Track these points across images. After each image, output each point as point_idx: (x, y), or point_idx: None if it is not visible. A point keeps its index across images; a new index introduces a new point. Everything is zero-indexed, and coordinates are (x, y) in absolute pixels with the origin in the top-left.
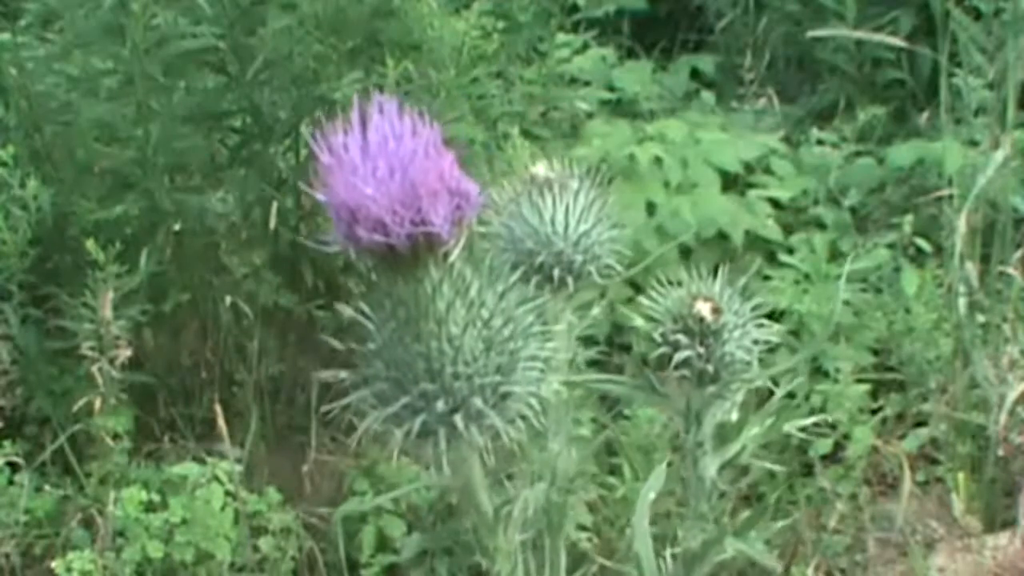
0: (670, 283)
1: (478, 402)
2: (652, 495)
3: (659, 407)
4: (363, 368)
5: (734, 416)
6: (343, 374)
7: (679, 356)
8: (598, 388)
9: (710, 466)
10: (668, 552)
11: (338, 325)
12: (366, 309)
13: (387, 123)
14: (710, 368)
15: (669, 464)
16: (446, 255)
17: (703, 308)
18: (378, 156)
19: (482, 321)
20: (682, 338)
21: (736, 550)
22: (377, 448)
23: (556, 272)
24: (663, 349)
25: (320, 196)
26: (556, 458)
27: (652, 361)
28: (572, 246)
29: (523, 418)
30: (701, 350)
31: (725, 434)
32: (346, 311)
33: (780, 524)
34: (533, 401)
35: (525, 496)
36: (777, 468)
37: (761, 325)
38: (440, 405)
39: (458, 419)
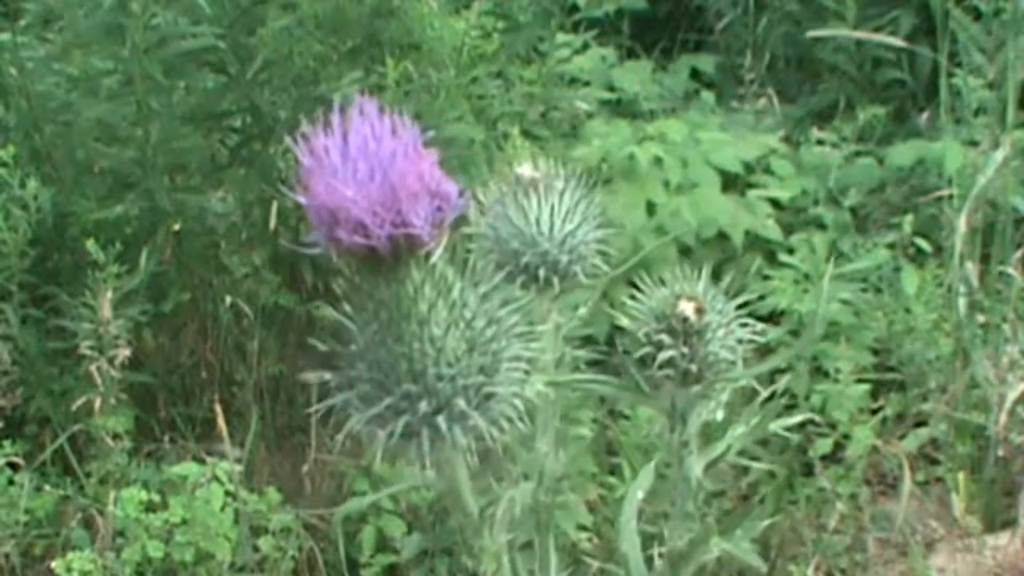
0: (658, 282)
1: (461, 403)
2: (640, 494)
3: (645, 406)
4: (347, 370)
5: (719, 415)
6: (328, 376)
7: (663, 356)
8: (591, 388)
9: (695, 466)
10: (658, 551)
11: (336, 326)
12: (349, 311)
13: (367, 125)
14: (694, 368)
15: (667, 465)
16: (427, 256)
17: (686, 308)
18: (358, 158)
19: (464, 322)
20: (665, 338)
21: (721, 550)
22: (374, 449)
23: (541, 272)
24: (647, 349)
25: (301, 199)
26: (543, 458)
27: (638, 361)
28: (557, 246)
29: (507, 419)
30: (685, 350)
31: (710, 433)
32: (330, 313)
33: (767, 523)
34: (517, 402)
35: (509, 497)
36: (773, 467)
37: (745, 324)
38: (423, 406)
39: (441, 420)
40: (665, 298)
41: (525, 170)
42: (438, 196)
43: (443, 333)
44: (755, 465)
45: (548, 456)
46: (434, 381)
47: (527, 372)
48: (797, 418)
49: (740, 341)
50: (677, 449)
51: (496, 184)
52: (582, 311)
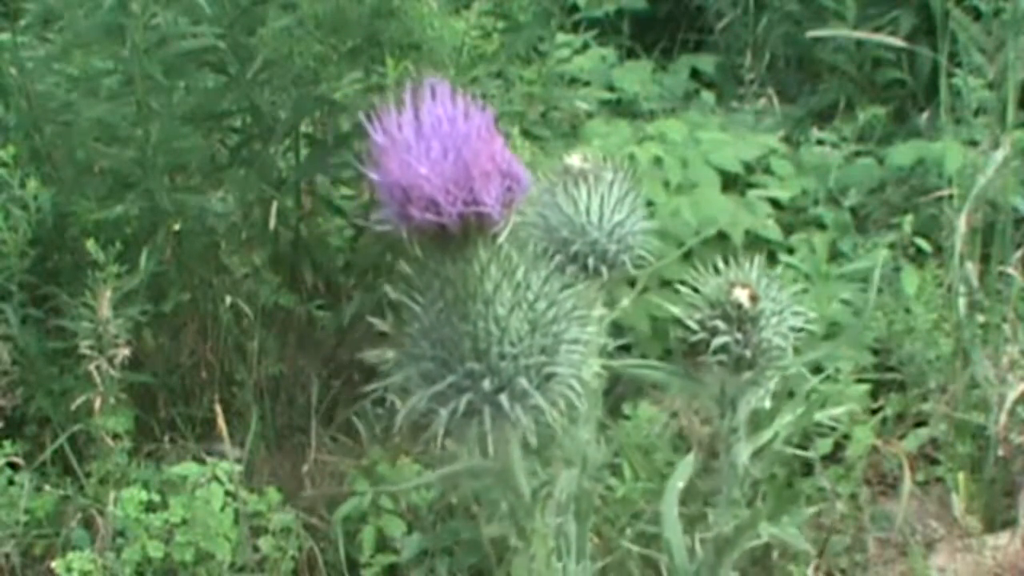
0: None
1: (523, 382)
2: (680, 484)
3: (694, 393)
4: (411, 348)
5: (767, 403)
6: (390, 353)
7: (717, 341)
8: (641, 374)
9: (743, 453)
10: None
11: (338, 324)
12: (412, 292)
13: (440, 105)
14: (747, 354)
15: (668, 463)
16: (495, 236)
17: (741, 295)
18: (432, 137)
19: (527, 303)
20: (720, 324)
21: (769, 535)
22: (377, 448)
23: (591, 261)
24: (701, 335)
25: (373, 175)
26: (586, 446)
27: (688, 347)
28: (607, 236)
29: (565, 400)
30: (739, 336)
31: (758, 421)
32: (393, 293)
33: (813, 510)
34: (575, 383)
35: (563, 479)
36: (775, 468)
37: (797, 312)
38: (486, 384)
39: (503, 399)
40: (719, 285)
41: (575, 160)
42: (508, 177)
43: (507, 313)
44: (801, 453)
45: (590, 444)
46: (497, 360)
47: (584, 354)
48: (841, 408)
49: (792, 328)
50: (725, 436)
51: (545, 174)
52: (625, 302)
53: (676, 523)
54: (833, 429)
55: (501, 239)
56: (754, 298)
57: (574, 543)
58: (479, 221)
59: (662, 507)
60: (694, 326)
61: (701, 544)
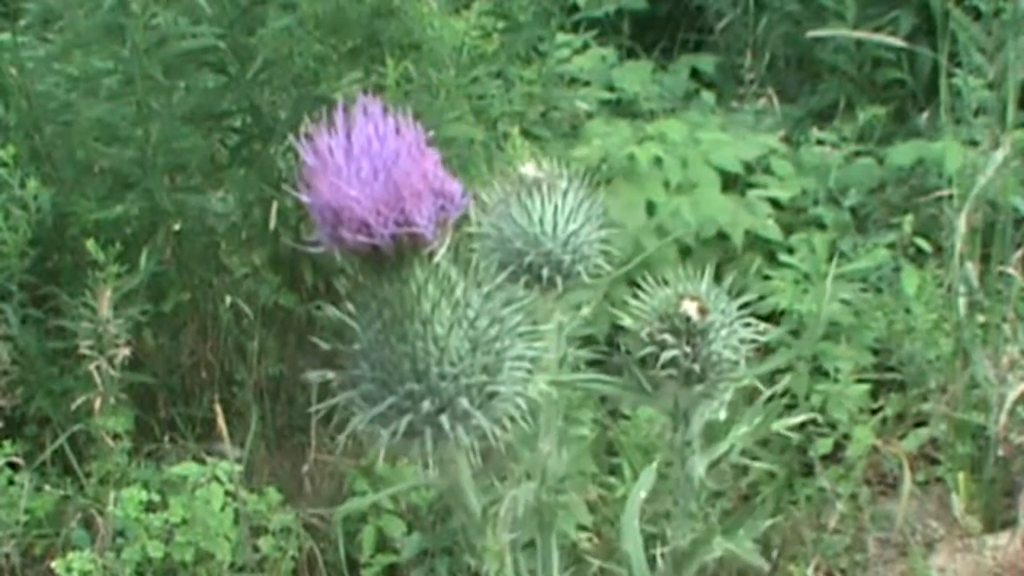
0: (659, 282)
1: (464, 402)
2: (643, 494)
3: (648, 406)
4: (350, 369)
5: (722, 415)
6: (331, 375)
7: (666, 355)
8: (593, 388)
9: (698, 465)
10: (660, 551)
11: (339, 325)
12: (352, 310)
13: (371, 124)
14: (697, 367)
15: (668, 464)
16: (431, 255)
17: (689, 308)
18: (361, 157)
19: (468, 321)
20: (669, 337)
21: (724, 549)
22: (377, 448)
23: (545, 272)
24: (650, 348)
25: (304, 198)
26: (546, 458)
27: (640, 360)
28: (561, 246)
29: (510, 418)
30: (688, 349)
31: (713, 433)
32: (333, 312)
33: (768, 523)
34: (520, 401)
35: (512, 496)
36: (774, 468)
37: (748, 324)
38: (426, 405)
39: (444, 419)
40: (668, 298)
41: (529, 170)
42: (442, 195)
43: (446, 332)
44: (756, 465)
45: (551, 456)
46: (437, 380)
47: (530, 371)
48: (800, 418)
49: (743, 341)
50: (680, 449)
51: (500, 183)
52: (585, 311)
53: (637, 534)
54: (833, 428)
55: (437, 258)
56: (703, 311)
57: (540, 556)
58: (412, 241)
59: (623, 518)
60: (644, 338)
61: (661, 558)
